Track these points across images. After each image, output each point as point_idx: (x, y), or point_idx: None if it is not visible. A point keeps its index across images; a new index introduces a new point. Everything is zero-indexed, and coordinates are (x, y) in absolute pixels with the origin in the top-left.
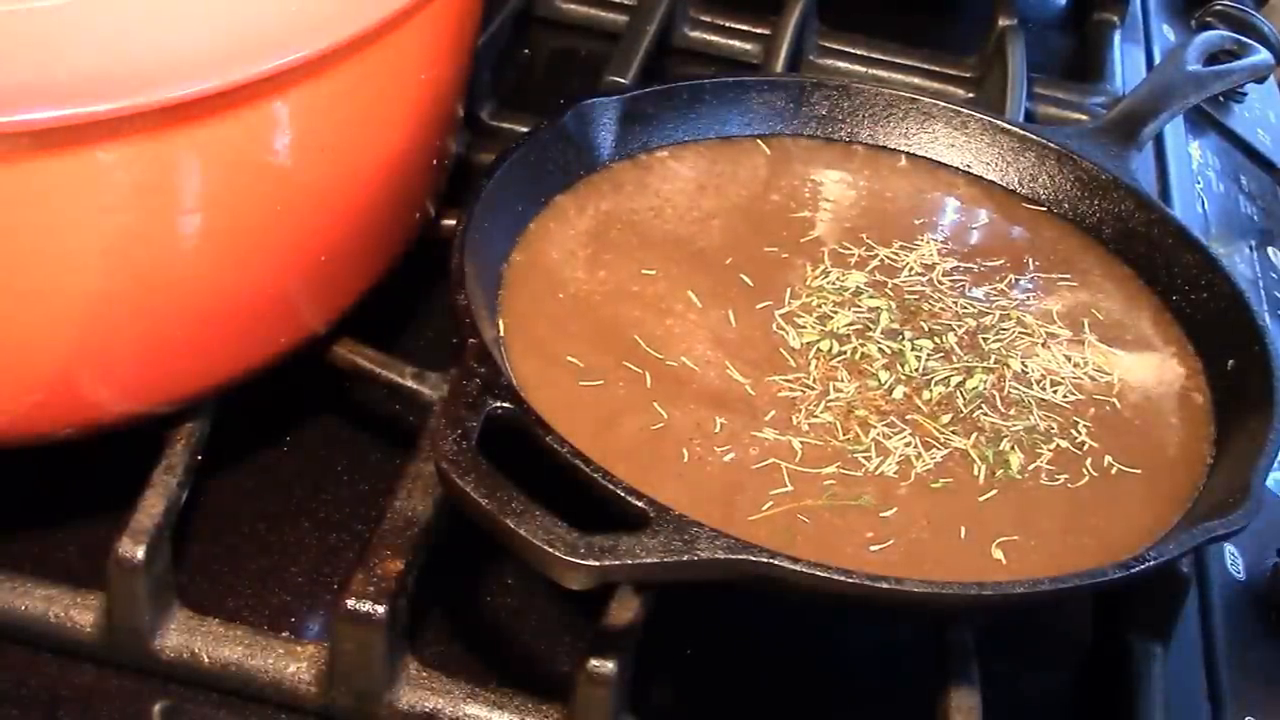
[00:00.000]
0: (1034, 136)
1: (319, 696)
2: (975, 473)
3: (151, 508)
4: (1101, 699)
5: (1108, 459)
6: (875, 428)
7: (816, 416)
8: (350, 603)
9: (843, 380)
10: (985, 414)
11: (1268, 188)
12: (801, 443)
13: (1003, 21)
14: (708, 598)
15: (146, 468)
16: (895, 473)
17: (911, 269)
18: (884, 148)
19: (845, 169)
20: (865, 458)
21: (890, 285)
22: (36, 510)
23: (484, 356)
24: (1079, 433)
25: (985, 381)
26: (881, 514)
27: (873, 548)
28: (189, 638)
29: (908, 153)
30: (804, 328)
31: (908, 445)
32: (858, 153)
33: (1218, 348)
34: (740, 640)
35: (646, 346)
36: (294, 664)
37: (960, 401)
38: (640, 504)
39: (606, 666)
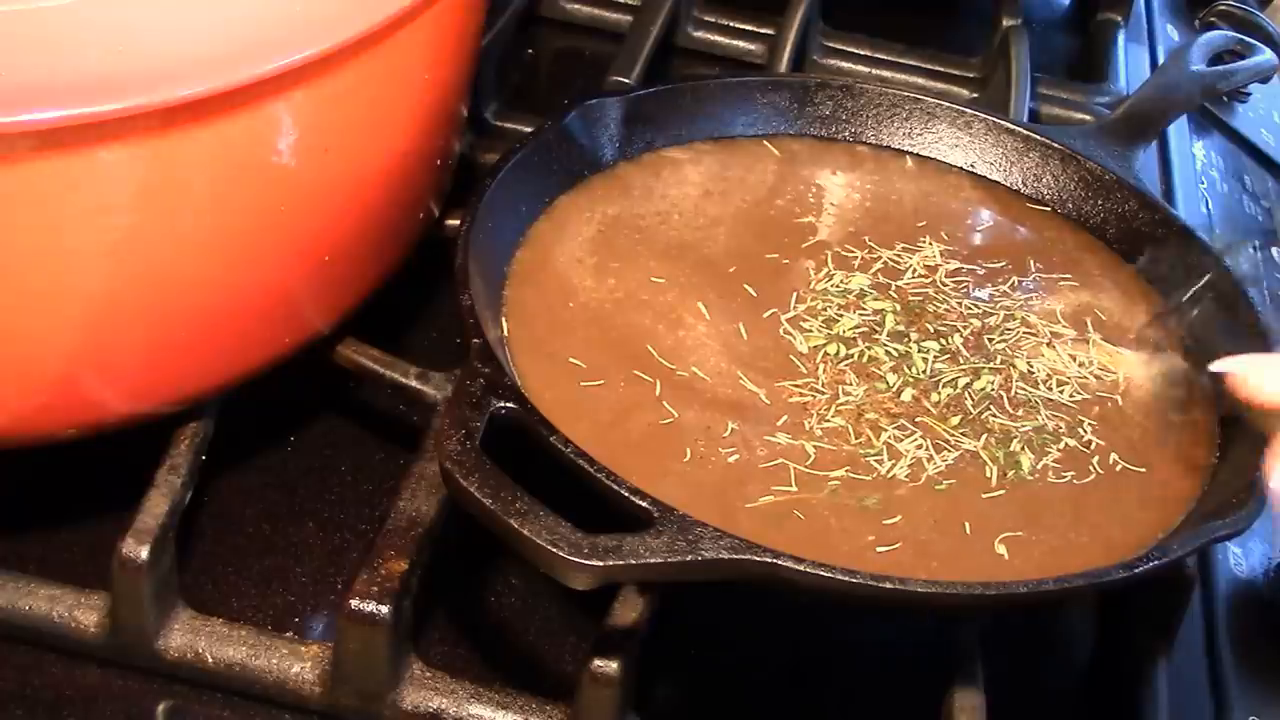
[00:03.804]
0: (1038, 137)
1: (323, 697)
2: (987, 474)
3: (155, 508)
4: (1105, 698)
5: (1113, 456)
6: (886, 430)
7: (828, 420)
8: (354, 603)
9: (851, 384)
10: (994, 415)
11: (1271, 188)
12: (814, 446)
13: (1007, 22)
14: (711, 598)
15: (150, 468)
16: (907, 475)
17: (915, 270)
18: (888, 148)
19: (848, 170)
20: (877, 461)
21: (894, 287)
22: (40, 510)
23: (488, 356)
24: (1085, 431)
25: (993, 382)
26: (885, 520)
27: (879, 548)
28: (193, 638)
29: (911, 153)
30: (810, 331)
31: (919, 448)
32: (861, 153)
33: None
34: (744, 640)
35: (659, 357)
36: (298, 664)
37: (969, 403)
38: (644, 504)
39: (610, 666)
